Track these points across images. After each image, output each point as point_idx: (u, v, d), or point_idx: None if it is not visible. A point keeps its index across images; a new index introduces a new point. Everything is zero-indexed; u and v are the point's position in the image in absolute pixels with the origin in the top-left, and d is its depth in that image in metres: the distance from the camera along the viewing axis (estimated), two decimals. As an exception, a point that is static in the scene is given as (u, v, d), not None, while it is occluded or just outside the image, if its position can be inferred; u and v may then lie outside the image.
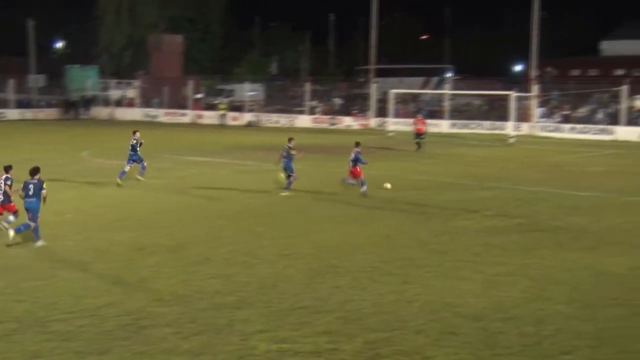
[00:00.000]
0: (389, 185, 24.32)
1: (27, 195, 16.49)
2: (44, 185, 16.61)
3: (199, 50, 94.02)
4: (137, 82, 72.00)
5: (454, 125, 52.65)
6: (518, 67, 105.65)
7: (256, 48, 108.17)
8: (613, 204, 22.67)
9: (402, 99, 60.98)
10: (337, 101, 66.47)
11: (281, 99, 70.70)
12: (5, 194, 17.36)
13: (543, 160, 35.44)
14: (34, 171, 16.75)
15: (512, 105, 46.58)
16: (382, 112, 56.70)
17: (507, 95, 49.27)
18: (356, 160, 23.88)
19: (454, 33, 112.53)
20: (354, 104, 64.14)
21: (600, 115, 50.85)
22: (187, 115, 64.74)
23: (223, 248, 16.40)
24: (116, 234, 17.83)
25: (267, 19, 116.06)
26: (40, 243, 16.45)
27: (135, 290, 13.23)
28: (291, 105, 65.35)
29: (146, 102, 70.34)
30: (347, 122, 57.89)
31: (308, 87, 62.02)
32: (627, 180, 28.09)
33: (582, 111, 51.91)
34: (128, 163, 26.18)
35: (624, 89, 47.53)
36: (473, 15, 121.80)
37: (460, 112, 56.59)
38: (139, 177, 26.29)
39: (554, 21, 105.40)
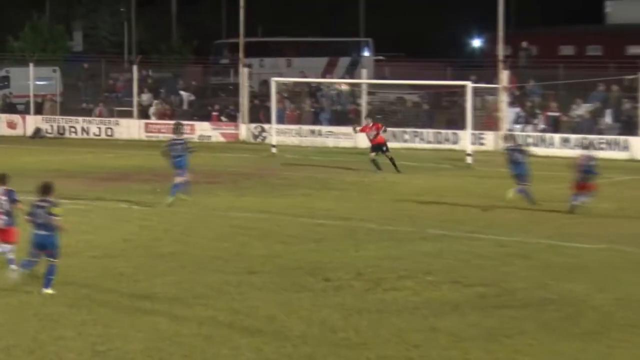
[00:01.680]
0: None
1: (36, 226, 19.06)
2: (55, 210, 19.15)
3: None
4: None
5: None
6: (477, 43, 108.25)
7: (47, 6, 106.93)
8: (628, 261, 23.35)
9: (293, 93, 61.36)
10: (186, 96, 66.27)
11: (91, 93, 69.94)
12: (8, 214, 20.83)
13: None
14: (46, 189, 19.39)
15: (470, 103, 47.24)
16: (259, 115, 56.93)
17: (461, 86, 50.05)
18: (588, 172, 27.27)
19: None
20: (214, 102, 64.02)
21: (607, 118, 51.98)
22: None
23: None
24: None
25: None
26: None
27: None
28: (108, 103, 64.79)
29: None
30: (203, 130, 57.81)
31: (135, 72, 61.69)
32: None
33: (579, 112, 53.04)
34: None
35: (642, 77, 48.92)
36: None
37: (386, 115, 57.29)
38: None
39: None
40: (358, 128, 44.74)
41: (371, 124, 43.27)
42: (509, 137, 34.99)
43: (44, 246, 19.38)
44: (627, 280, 21.25)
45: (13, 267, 20.53)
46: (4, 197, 20.98)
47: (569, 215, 30.26)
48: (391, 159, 41.76)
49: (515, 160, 31.76)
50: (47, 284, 19.39)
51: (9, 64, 75.27)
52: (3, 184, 21.22)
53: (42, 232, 19.29)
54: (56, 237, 19.45)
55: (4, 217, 20.97)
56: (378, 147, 41.97)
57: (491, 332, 17.15)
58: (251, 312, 18.35)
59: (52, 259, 19.40)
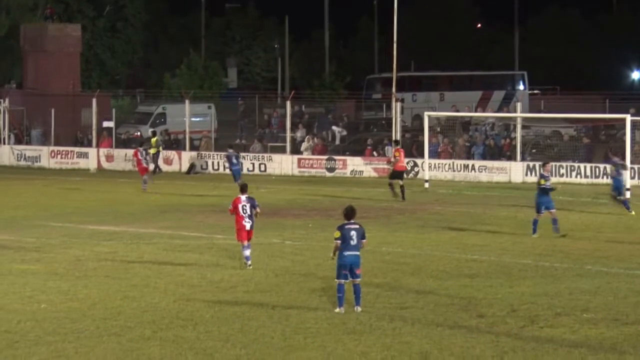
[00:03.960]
0: None
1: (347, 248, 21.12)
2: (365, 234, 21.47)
3: (106, 48, 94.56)
4: (3, 103, 71.54)
5: (531, 169, 52.83)
6: (635, 75, 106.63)
7: (202, 45, 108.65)
8: None
9: (446, 127, 61.24)
10: (338, 131, 66.64)
11: (246, 129, 70.83)
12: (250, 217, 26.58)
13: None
14: (351, 212, 21.57)
15: (628, 137, 46.63)
16: (411, 149, 56.93)
17: (619, 120, 49.40)
18: None
19: (527, 21, 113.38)
20: (366, 136, 64.17)
21: None
22: (89, 157, 64.67)
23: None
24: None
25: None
26: None
27: None
28: (262, 139, 65.50)
29: (20, 136, 70.19)
30: (355, 165, 57.99)
31: (289, 107, 62.27)
32: None
33: None
34: None
35: None
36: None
37: (542, 149, 56.82)
38: None
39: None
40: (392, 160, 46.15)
41: (394, 150, 46.14)
42: None
43: (354, 265, 21.26)
44: None
45: (249, 262, 26.42)
46: (248, 204, 26.45)
47: None
48: (402, 187, 43.63)
49: None
50: (358, 302, 21.37)
51: (165, 100, 76.66)
52: (245, 193, 26.94)
53: (354, 253, 21.26)
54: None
55: (248, 221, 26.47)
56: (399, 174, 44.10)
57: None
58: (404, 349, 18.27)
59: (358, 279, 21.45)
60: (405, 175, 45.75)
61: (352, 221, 21.43)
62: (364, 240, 21.54)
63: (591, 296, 22.85)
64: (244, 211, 26.54)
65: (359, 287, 21.34)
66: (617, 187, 38.96)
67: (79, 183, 52.85)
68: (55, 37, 76.07)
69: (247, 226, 26.60)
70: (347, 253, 21.12)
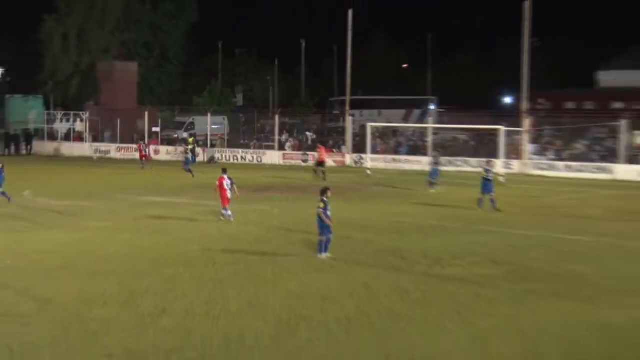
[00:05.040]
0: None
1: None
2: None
3: (155, 78, 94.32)
4: (85, 114, 71.59)
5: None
6: (508, 100, 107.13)
7: (219, 77, 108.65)
8: (613, 250, 22.90)
9: (382, 133, 61.49)
10: (310, 135, 66.81)
11: (247, 133, 71.03)
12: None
13: (536, 201, 35.72)
14: (323, 191, 20.91)
15: (502, 141, 46.90)
16: (359, 148, 57.08)
17: (496, 129, 49.73)
18: None
19: (438, 62, 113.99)
20: (328, 139, 64.48)
21: (597, 152, 51.34)
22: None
23: (181, 299, 16.33)
24: (61, 282, 17.70)
25: (232, 45, 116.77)
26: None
27: (83, 346, 13.10)
28: (259, 140, 65.64)
29: (96, 137, 70.15)
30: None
31: (277, 119, 62.32)
32: (627, 225, 28.42)
33: (578, 148, 52.42)
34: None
35: (623, 123, 48.17)
36: (458, 44, 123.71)
37: (445, 148, 57.10)
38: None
39: (547, 50, 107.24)
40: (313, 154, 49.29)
41: (321, 148, 48.87)
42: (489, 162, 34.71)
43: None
44: (613, 262, 20.87)
45: (232, 218, 27.01)
46: (229, 181, 27.13)
47: (571, 217, 29.80)
48: (323, 172, 45.12)
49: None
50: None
51: (194, 113, 76.85)
52: (225, 174, 27.35)
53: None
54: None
55: (230, 192, 27.11)
56: (321, 163, 46.16)
57: (516, 297, 16.91)
58: (352, 281, 18.25)
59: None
60: (325, 165, 46.50)
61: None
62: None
63: (477, 246, 22.98)
64: (227, 186, 27.01)
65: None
66: (432, 174, 39.37)
67: (135, 169, 52.66)
68: (120, 71, 76.49)
69: (229, 195, 27.07)
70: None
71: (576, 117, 59.77)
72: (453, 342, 13.50)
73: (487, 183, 31.92)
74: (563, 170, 49.10)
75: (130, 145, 64.92)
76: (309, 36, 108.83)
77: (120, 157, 64.45)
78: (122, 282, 17.74)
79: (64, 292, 16.77)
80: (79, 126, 72.00)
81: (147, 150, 55.85)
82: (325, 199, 20.65)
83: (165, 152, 63.73)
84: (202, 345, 13.17)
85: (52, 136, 71.90)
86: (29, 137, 70.60)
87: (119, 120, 66.59)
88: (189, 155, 50.35)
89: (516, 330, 14.25)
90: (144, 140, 60.43)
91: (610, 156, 49.50)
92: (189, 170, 46.27)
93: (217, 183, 27.41)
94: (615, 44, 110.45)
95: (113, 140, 67.99)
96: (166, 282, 17.91)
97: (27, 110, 74.89)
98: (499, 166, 46.28)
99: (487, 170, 32.37)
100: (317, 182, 40.46)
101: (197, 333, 13.86)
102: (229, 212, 27.18)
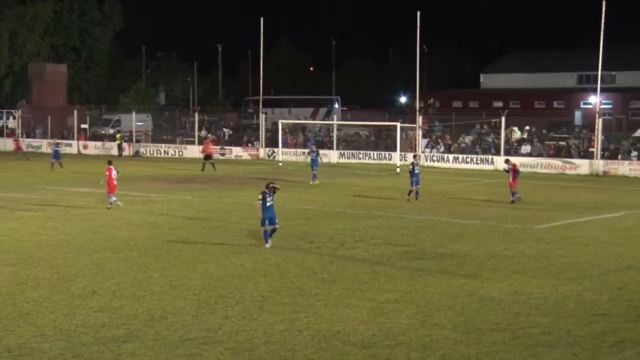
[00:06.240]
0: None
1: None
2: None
3: (83, 79, 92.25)
4: (18, 112, 69.59)
5: (342, 155, 53.31)
6: (403, 99, 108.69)
7: (143, 78, 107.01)
8: (494, 231, 23.44)
9: (292, 129, 61.42)
10: (227, 131, 66.33)
11: (169, 129, 70.06)
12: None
13: (428, 189, 36.20)
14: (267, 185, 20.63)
15: (398, 136, 47.47)
16: (271, 143, 56.93)
17: (393, 126, 50.29)
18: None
19: (340, 66, 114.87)
20: (244, 134, 64.13)
21: (480, 145, 52.44)
22: (72, 146, 62.92)
23: (109, 280, 16.07)
24: (-5, 268, 17.16)
25: (154, 49, 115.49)
26: None
27: (15, 326, 12.75)
28: (180, 135, 64.76)
29: (28, 133, 68.18)
30: (237, 152, 57.69)
31: (196, 117, 61.59)
32: (507, 209, 29.13)
33: (464, 141, 53.41)
34: None
35: (502, 120, 49.31)
36: (358, 49, 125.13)
37: (348, 143, 57.43)
38: None
39: (437, 55, 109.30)
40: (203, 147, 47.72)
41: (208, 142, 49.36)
42: (416, 157, 34.71)
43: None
44: (493, 242, 21.33)
45: (119, 203, 27.04)
46: (114, 171, 27.25)
47: (458, 203, 30.36)
48: (212, 164, 44.42)
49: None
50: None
51: (120, 112, 75.60)
52: (111, 164, 27.68)
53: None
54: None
55: (115, 181, 27.32)
56: (209, 156, 45.54)
57: (411, 273, 17.17)
58: (265, 262, 18.28)
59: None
60: (212, 158, 46.25)
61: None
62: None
63: (376, 230, 23.24)
64: (113, 176, 27.25)
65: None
66: (313, 165, 38.44)
67: (66, 163, 51.30)
68: (51, 72, 74.96)
69: (115, 183, 27.30)
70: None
71: (463, 114, 60.96)
72: (356, 315, 13.64)
73: (413, 175, 30.97)
74: (452, 162, 49.94)
75: (60, 141, 63.22)
76: (226, 41, 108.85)
77: (51, 151, 62.51)
78: (53, 267, 17.33)
79: (-3, 277, 16.26)
80: (12, 123, 70.28)
81: (19, 142, 58.90)
82: (266, 191, 20.42)
83: (94, 147, 62.31)
84: (128, 323, 12.99)
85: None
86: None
87: (49, 118, 64.90)
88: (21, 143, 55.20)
89: (411, 303, 14.48)
90: (15, 134, 63.66)
91: (493, 149, 50.61)
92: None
93: (107, 173, 27.41)
94: (495, 50, 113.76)
95: (44, 136, 66.13)
96: (95, 265, 17.57)
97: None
98: (396, 158, 46.90)
99: (413, 164, 31.48)
100: (208, 173, 41.14)
101: (124, 312, 13.66)
102: (114, 198, 27.28)
